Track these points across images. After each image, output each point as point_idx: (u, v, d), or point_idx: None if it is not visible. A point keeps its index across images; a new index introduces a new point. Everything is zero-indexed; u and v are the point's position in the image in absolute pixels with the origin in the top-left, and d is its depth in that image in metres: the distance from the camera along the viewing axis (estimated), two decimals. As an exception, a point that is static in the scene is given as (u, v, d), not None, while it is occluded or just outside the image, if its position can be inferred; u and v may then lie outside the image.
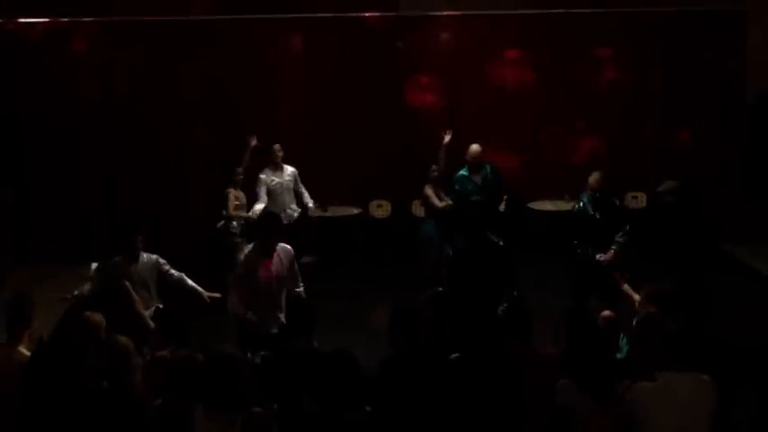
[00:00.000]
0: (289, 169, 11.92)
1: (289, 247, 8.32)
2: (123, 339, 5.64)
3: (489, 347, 6.10)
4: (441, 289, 8.39)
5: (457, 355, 6.08)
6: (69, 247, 13.17)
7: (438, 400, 5.74)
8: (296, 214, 11.98)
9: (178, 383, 5.46)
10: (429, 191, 11.45)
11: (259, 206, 11.42)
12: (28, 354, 5.82)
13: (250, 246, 8.43)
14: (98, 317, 6.17)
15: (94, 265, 9.34)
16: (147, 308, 8.47)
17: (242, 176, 11.51)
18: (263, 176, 11.70)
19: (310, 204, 12.17)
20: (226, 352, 5.34)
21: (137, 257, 8.75)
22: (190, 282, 8.80)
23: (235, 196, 11.35)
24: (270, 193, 11.68)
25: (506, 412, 5.72)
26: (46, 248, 13.25)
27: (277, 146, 11.80)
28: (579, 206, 9.85)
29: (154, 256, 8.94)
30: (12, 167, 13.31)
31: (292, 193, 11.95)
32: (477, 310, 7.46)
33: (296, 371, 6.05)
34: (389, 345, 6.07)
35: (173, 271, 8.91)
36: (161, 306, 8.38)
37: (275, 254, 8.16)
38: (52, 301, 9.71)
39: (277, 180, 11.76)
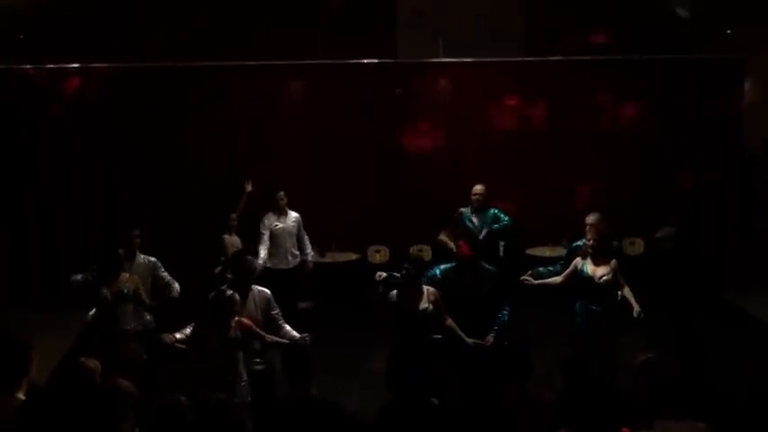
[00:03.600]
0: (293, 215, 11.88)
1: (265, 290, 8.21)
2: (123, 383, 5.61)
3: (485, 392, 6.10)
4: (438, 336, 8.35)
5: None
6: (67, 293, 13.13)
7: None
8: (298, 260, 11.93)
9: (166, 428, 5.41)
10: (444, 236, 11.55)
11: (263, 253, 11.40)
12: (26, 401, 5.80)
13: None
14: (93, 362, 6.15)
15: (93, 312, 9.34)
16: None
17: (236, 222, 11.53)
18: (266, 220, 11.67)
19: (309, 256, 12.03)
20: (218, 398, 5.37)
21: (133, 255, 9.08)
22: (176, 288, 9.33)
23: (230, 242, 11.36)
24: (272, 237, 11.66)
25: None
26: (43, 295, 13.23)
27: (281, 193, 11.74)
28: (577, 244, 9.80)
29: (152, 259, 9.49)
30: (10, 212, 13.33)
31: (294, 238, 11.89)
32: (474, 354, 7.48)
33: (294, 418, 6.02)
34: (387, 390, 6.05)
35: (165, 273, 9.50)
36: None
37: (249, 298, 8.04)
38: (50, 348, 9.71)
39: (280, 225, 11.73)
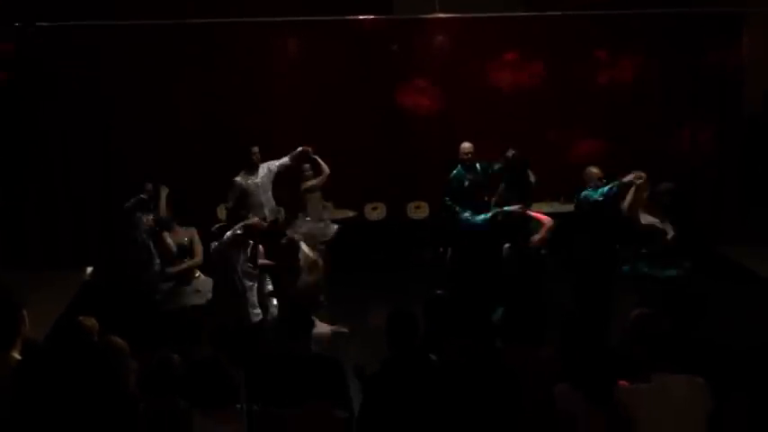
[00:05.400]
0: (263, 167, 11.69)
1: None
2: (119, 341, 5.65)
3: (486, 349, 6.09)
4: (440, 292, 8.34)
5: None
6: (65, 252, 13.17)
7: (433, 403, 5.72)
8: (276, 213, 11.74)
9: (158, 385, 5.47)
10: None
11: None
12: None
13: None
14: (91, 321, 6.18)
15: (90, 269, 9.33)
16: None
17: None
18: (239, 180, 11.43)
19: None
20: (208, 355, 5.50)
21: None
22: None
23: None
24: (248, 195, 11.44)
25: (503, 415, 5.70)
26: (41, 253, 13.24)
27: (255, 148, 11.56)
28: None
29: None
30: (8, 170, 13.31)
31: (269, 192, 11.57)
32: (475, 312, 7.46)
33: (295, 374, 6.04)
34: (386, 347, 6.04)
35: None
36: None
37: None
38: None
39: (252, 181, 11.52)
